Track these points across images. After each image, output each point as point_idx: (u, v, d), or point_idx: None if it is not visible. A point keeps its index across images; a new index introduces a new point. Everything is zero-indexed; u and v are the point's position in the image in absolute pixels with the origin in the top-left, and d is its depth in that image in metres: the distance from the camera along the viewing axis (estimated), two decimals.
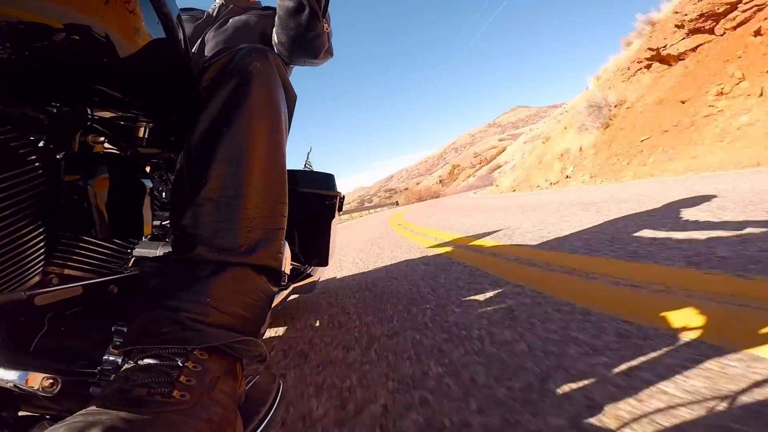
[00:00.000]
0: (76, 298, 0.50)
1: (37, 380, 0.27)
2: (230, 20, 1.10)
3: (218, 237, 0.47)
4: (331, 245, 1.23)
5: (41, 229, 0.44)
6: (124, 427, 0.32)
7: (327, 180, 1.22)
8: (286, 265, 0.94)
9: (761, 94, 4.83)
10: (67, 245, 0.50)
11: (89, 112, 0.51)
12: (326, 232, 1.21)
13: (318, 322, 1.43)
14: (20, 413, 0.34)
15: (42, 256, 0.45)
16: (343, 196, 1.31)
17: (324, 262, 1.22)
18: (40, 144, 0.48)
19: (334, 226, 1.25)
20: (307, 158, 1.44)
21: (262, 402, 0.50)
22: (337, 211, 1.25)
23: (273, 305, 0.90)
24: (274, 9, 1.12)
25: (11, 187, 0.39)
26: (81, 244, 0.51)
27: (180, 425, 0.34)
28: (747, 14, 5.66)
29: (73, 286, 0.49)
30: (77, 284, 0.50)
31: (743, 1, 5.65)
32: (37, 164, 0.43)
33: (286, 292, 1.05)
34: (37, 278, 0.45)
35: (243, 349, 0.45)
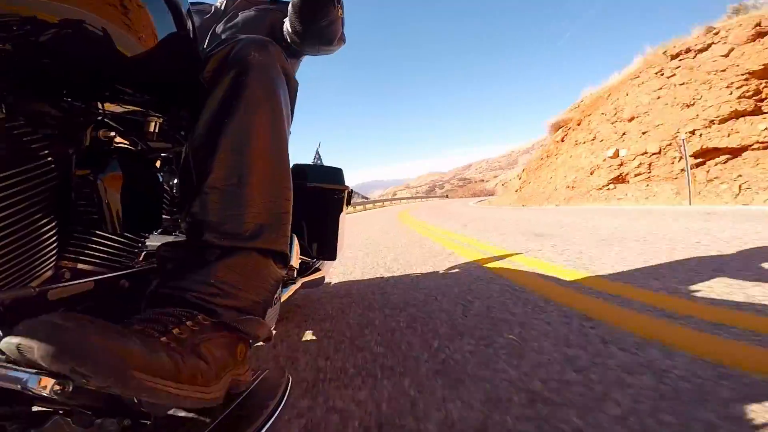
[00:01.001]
0: (88, 293, 0.50)
1: (49, 384, 0.27)
2: (239, 14, 1.09)
3: (225, 223, 0.48)
4: (339, 239, 1.23)
5: (54, 224, 0.44)
6: (70, 323, 0.29)
7: (335, 174, 1.22)
8: (295, 260, 0.94)
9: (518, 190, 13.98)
10: (79, 240, 0.50)
11: (100, 106, 0.51)
12: (334, 226, 1.21)
13: None
14: (34, 408, 0.34)
15: (55, 251, 0.46)
16: (351, 190, 1.31)
17: (332, 256, 1.22)
18: (52, 139, 0.48)
19: (342, 220, 1.25)
20: (316, 153, 1.44)
21: (270, 396, 0.50)
22: (345, 205, 1.24)
23: (282, 300, 0.90)
24: (282, 2, 1.10)
25: (24, 181, 0.39)
26: (93, 239, 0.51)
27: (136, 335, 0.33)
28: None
29: (85, 281, 0.50)
30: (89, 279, 0.50)
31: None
32: (49, 159, 0.43)
33: (295, 287, 1.05)
34: (49, 273, 0.45)
35: (249, 327, 0.47)
